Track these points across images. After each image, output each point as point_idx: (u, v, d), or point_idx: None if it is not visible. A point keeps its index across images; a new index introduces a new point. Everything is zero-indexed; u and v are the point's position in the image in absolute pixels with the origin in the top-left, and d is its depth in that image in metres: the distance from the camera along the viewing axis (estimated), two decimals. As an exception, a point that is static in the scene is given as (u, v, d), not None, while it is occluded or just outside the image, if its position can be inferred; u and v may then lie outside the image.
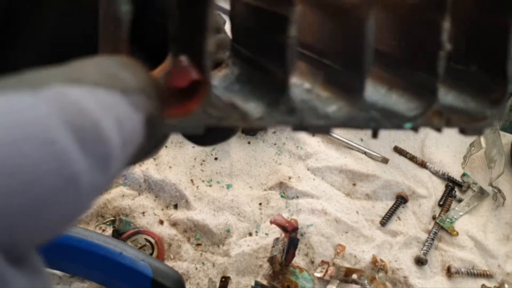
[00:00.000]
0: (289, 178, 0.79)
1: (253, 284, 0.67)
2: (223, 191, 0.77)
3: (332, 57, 0.29)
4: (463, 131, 0.28)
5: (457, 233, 0.77)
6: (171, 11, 0.25)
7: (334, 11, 0.28)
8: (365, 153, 0.83)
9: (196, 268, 0.70)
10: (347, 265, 0.72)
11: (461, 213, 0.79)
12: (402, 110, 0.28)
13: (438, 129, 0.28)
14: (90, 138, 0.17)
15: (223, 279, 0.68)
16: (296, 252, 0.72)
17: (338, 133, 0.85)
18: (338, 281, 0.70)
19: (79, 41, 0.36)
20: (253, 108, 0.26)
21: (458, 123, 0.28)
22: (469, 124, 0.28)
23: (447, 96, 0.29)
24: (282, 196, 0.78)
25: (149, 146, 0.22)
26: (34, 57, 0.40)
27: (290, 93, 0.25)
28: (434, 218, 0.79)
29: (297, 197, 0.78)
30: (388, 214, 0.78)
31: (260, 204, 0.77)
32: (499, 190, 0.80)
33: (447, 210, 0.79)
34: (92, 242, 0.66)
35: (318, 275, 0.71)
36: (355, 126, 0.26)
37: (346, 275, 0.71)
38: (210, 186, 0.77)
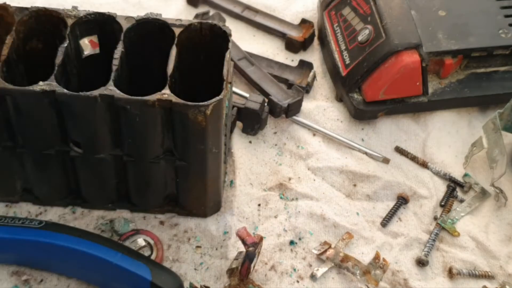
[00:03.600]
0: (289, 179, 0.79)
1: None
2: (223, 190, 0.76)
3: None
4: None
5: (459, 234, 0.77)
6: None
7: None
8: (366, 153, 0.83)
9: (195, 269, 0.70)
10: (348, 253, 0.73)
11: (462, 214, 0.79)
12: None
13: None
14: None
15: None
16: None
17: (339, 132, 0.84)
18: (332, 264, 0.71)
19: None
20: None
21: None
22: None
23: None
24: (281, 198, 0.77)
25: None
26: None
27: None
28: (435, 218, 0.78)
29: (297, 198, 0.78)
30: (389, 215, 0.77)
31: (259, 205, 0.76)
32: (501, 191, 0.79)
33: (449, 211, 0.79)
34: (90, 244, 0.66)
35: (316, 252, 0.72)
36: None
37: (342, 260, 0.71)
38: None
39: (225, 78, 0.63)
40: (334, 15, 0.91)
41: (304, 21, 0.95)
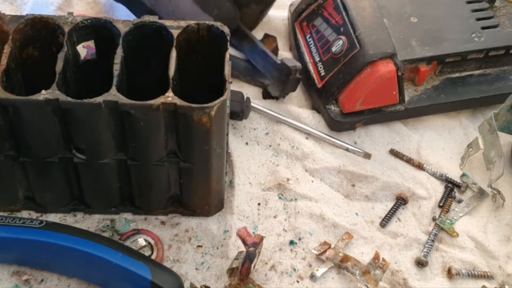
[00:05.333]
0: (287, 180, 0.79)
1: None
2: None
3: None
4: None
5: (457, 234, 0.77)
6: None
7: None
8: (347, 149, 0.83)
9: (197, 269, 0.70)
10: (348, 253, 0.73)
11: (461, 214, 0.79)
12: None
13: None
14: None
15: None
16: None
17: (330, 134, 0.85)
18: (332, 264, 0.71)
19: None
20: None
21: None
22: None
23: None
24: (280, 198, 0.78)
25: None
26: None
27: None
28: (434, 219, 0.79)
29: (295, 199, 0.78)
30: (388, 215, 0.78)
31: (259, 204, 0.77)
32: (499, 192, 0.80)
33: (447, 211, 0.79)
34: (90, 243, 0.66)
35: (315, 252, 0.72)
36: None
37: (342, 261, 0.71)
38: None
39: (226, 78, 0.64)
40: (306, 26, 0.90)
41: (266, 36, 0.93)
